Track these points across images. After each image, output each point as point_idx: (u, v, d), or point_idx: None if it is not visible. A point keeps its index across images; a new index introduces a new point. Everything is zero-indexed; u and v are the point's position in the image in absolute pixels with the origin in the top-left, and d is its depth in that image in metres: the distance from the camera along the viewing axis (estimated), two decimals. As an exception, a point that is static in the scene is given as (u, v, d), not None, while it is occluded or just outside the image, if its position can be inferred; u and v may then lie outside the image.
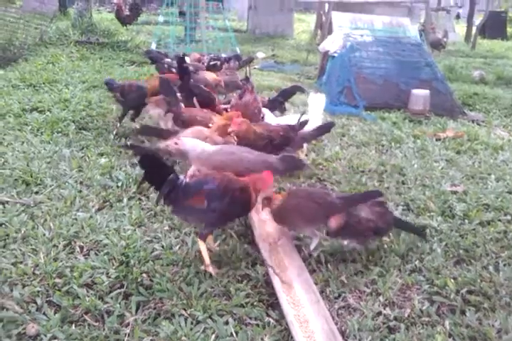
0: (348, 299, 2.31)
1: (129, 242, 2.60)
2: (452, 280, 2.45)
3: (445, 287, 2.41)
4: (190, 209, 2.42)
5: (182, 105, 4.07)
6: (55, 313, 2.11)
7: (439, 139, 4.92)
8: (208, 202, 2.38)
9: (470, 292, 2.40)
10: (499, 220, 3.14)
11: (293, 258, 2.50)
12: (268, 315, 2.19)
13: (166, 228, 2.81)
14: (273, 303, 2.26)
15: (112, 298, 2.22)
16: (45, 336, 1.99)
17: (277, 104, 4.58)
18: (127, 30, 11.52)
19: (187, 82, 4.35)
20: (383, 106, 6.11)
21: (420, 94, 5.84)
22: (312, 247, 2.59)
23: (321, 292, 2.32)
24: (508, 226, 3.04)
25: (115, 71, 7.10)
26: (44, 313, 2.10)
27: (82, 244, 2.62)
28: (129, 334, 2.05)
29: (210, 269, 2.40)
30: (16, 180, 3.36)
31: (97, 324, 2.09)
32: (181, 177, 2.43)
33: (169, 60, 5.65)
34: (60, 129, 4.46)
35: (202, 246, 2.42)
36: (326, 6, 8.12)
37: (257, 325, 2.12)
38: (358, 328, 2.11)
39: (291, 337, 2.04)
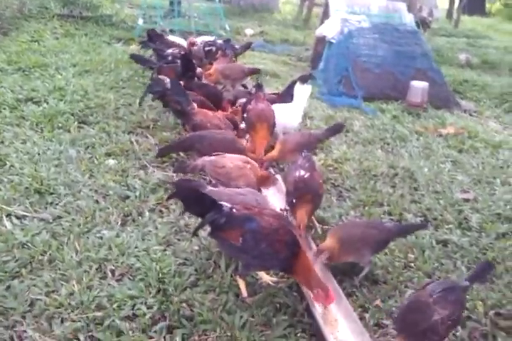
0: (387, 326, 2.33)
1: (162, 266, 2.51)
2: (480, 302, 2.50)
3: (475, 310, 2.47)
4: (226, 242, 2.33)
5: (195, 106, 3.90)
6: (101, 352, 2.05)
7: (441, 136, 4.94)
8: (243, 242, 2.24)
9: (498, 314, 2.46)
10: (512, 232, 3.21)
11: (331, 281, 2.47)
12: None
13: (196, 248, 2.73)
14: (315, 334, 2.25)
15: (156, 331, 2.16)
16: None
17: (289, 99, 4.42)
18: (107, 0, 10.82)
19: (191, 80, 4.15)
20: (380, 97, 6.04)
21: (419, 87, 5.79)
22: (362, 275, 2.58)
23: (360, 319, 2.33)
24: (522, 240, 3.11)
25: (104, 51, 6.72)
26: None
27: (113, 267, 2.52)
28: (178, 372, 2.01)
29: (247, 300, 2.36)
30: (27, 188, 3.18)
31: (144, 361, 2.05)
32: (227, 206, 2.31)
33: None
34: (60, 124, 4.21)
35: (240, 282, 2.37)
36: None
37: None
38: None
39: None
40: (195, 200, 2.30)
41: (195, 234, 2.38)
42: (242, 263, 2.40)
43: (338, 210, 3.30)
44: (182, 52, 5.06)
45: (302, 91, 4.35)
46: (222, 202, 2.33)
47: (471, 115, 6.14)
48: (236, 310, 2.32)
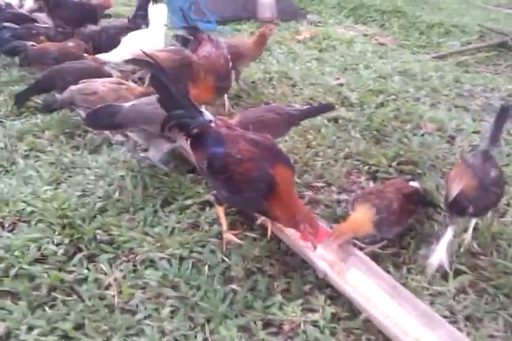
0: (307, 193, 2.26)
1: (58, 203, 2.09)
2: (383, 157, 2.54)
3: (380, 164, 2.50)
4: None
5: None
6: (16, 303, 1.64)
7: (300, 41, 4.91)
8: (208, 167, 1.78)
9: (400, 163, 2.52)
10: (387, 101, 3.30)
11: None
12: (252, 230, 2.01)
13: (92, 177, 2.33)
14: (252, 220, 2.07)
15: (75, 265, 1.80)
16: (19, 330, 1.55)
17: (141, 20, 3.93)
18: None
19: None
20: (234, 19, 5.79)
21: (266, 2, 5.64)
22: None
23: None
24: (397, 105, 3.22)
25: None
26: (3, 308, 1.62)
27: (1, 219, 2.04)
28: (117, 296, 1.71)
29: (231, 237, 1.94)
30: None
31: (72, 298, 1.69)
32: (209, 116, 1.85)
33: None
34: None
35: (219, 210, 1.95)
36: None
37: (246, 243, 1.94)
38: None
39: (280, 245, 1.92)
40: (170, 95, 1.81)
41: (163, 128, 1.85)
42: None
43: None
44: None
45: (157, 12, 3.87)
46: (205, 111, 1.89)
47: (316, 25, 6.22)
48: (159, 221, 2.04)
